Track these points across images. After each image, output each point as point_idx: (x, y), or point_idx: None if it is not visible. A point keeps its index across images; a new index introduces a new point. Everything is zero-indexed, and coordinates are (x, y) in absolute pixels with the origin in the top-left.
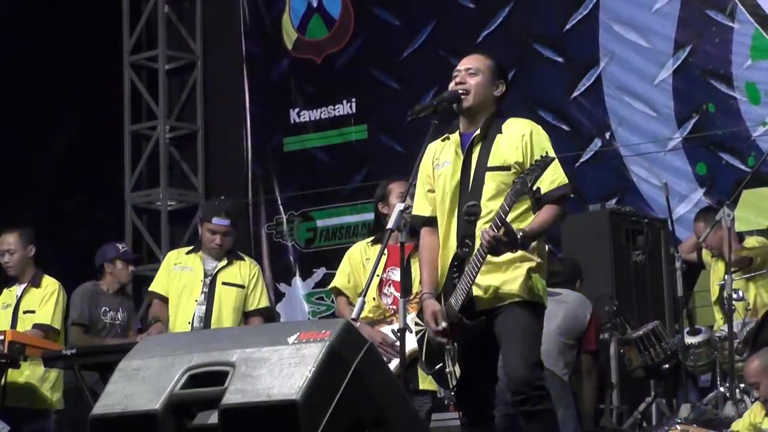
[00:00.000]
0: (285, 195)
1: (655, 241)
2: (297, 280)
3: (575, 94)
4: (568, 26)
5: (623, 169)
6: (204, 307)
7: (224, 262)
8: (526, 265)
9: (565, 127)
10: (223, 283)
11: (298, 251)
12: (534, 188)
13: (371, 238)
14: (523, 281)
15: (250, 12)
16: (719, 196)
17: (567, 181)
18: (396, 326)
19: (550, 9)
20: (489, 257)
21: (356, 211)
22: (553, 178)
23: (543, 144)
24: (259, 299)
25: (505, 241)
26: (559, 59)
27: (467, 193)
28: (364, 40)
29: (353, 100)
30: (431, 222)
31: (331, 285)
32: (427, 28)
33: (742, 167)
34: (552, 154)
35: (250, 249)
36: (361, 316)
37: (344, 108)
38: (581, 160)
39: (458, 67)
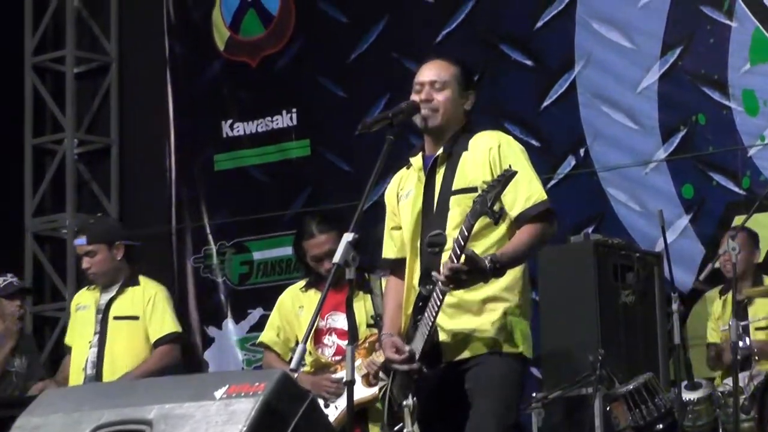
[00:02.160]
0: (215, 222)
1: (648, 279)
2: (229, 322)
3: (546, 103)
4: (539, 24)
5: (599, 191)
6: (96, 350)
7: (114, 293)
8: (502, 307)
9: (534, 143)
10: (115, 318)
11: (231, 288)
12: (497, 208)
13: (303, 282)
14: (498, 327)
15: (175, 5)
16: (707, 223)
17: (545, 197)
18: (341, 375)
19: (519, 3)
20: (459, 294)
21: None
22: (529, 194)
23: (514, 157)
24: (162, 325)
25: (466, 270)
26: (529, 62)
27: (431, 222)
28: (307, 39)
29: (294, 110)
30: (399, 265)
31: (258, 340)
32: (378, 25)
33: (736, 189)
34: (527, 167)
35: (172, 286)
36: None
37: (284, 120)
38: (553, 182)
39: (420, 79)
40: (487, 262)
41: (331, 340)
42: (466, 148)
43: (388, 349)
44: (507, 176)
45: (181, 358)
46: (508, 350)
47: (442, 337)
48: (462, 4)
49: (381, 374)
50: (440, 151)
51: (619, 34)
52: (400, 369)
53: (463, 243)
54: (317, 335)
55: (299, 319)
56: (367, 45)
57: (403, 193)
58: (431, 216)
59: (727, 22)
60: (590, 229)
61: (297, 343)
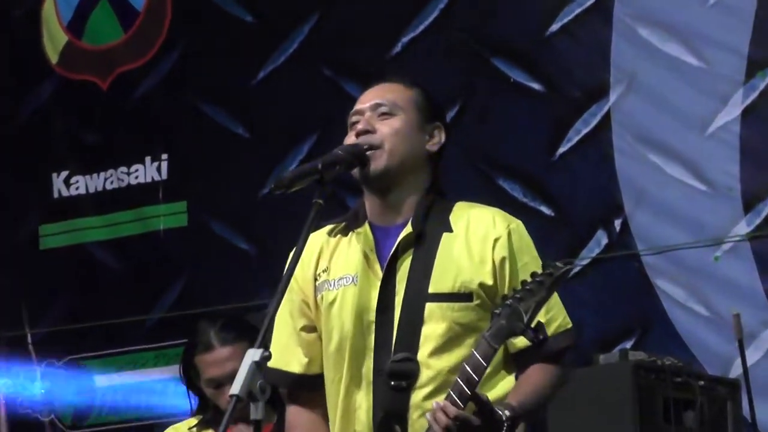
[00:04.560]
0: (40, 330)
1: (717, 420)
2: None
3: (563, 149)
4: (554, 27)
5: (644, 284)
6: None
7: None
8: None
9: (544, 210)
10: None
11: None
12: (534, 325)
13: (194, 420)
14: None
15: None
16: None
17: (570, 324)
18: None
19: None
20: None
21: (165, 359)
22: (550, 316)
23: (529, 256)
24: None
25: (477, 426)
26: (536, 86)
27: (387, 338)
28: (188, 48)
29: (164, 157)
30: (305, 385)
31: None
32: (302, 27)
33: None
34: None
35: None
36: None
37: (147, 171)
38: (573, 270)
39: (359, 105)
40: (504, 415)
41: None
42: (447, 228)
43: None
44: (557, 276)
45: None
46: None
47: None
48: None
49: None
50: (407, 229)
51: (679, 46)
52: None
53: (477, 380)
54: None
55: None
56: (285, 58)
57: (329, 277)
58: (391, 330)
59: None
60: (629, 344)
61: None
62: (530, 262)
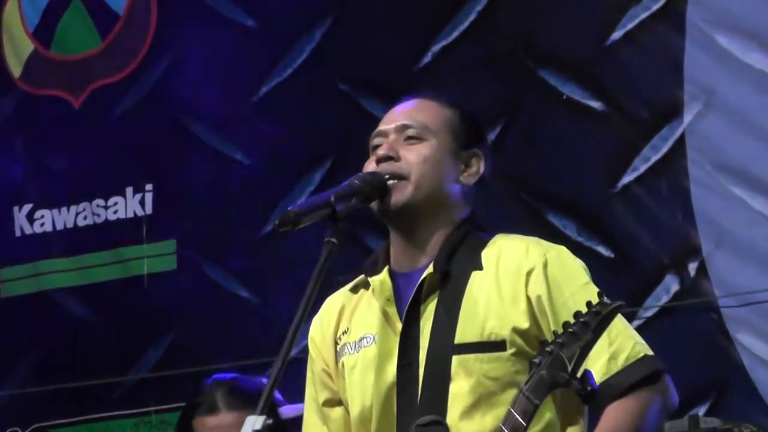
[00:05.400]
0: (1, 394)
1: None
2: None
3: (626, 179)
4: (615, 35)
5: (722, 338)
6: None
7: None
8: None
9: (602, 251)
10: None
11: None
12: (579, 374)
13: None
14: None
15: None
16: None
17: (642, 353)
18: None
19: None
20: None
21: (147, 427)
22: (615, 348)
23: (575, 284)
24: None
25: None
26: (595, 104)
27: (412, 399)
28: (178, 59)
29: (148, 188)
30: None
31: None
32: (313, 34)
33: None
34: (595, 297)
35: None
36: None
37: (129, 205)
38: (637, 322)
39: (384, 126)
40: None
41: None
42: (477, 266)
43: None
44: (604, 314)
45: None
46: None
47: None
48: None
49: None
50: (428, 269)
51: (765, 57)
52: None
53: None
54: None
55: None
56: (292, 69)
57: (349, 339)
58: (416, 389)
59: None
60: (702, 409)
61: None
62: (577, 294)
